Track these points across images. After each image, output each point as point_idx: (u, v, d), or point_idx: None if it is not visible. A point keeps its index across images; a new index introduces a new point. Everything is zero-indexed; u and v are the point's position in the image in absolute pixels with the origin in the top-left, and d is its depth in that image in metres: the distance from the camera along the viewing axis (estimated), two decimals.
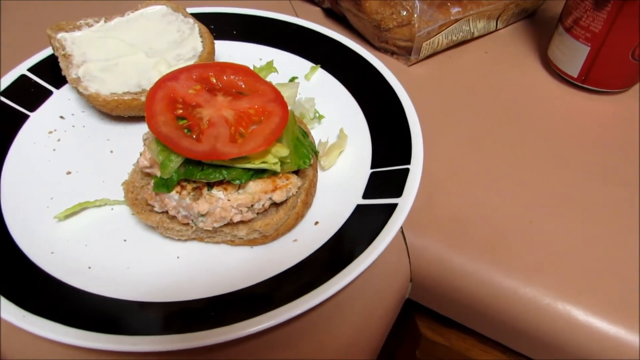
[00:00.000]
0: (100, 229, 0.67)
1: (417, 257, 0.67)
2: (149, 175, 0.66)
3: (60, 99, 0.84)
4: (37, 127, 0.79)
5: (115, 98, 0.75)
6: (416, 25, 0.90)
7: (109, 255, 0.64)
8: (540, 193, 0.73)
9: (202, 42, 0.84)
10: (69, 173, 0.73)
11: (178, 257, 0.64)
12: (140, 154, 0.65)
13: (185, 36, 0.85)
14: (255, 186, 0.61)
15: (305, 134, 0.68)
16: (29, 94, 0.82)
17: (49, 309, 0.56)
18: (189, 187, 0.60)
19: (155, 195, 0.61)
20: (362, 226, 0.63)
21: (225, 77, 0.66)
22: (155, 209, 0.63)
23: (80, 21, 0.86)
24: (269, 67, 0.76)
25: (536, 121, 0.85)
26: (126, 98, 0.75)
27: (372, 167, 0.72)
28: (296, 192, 0.64)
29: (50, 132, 0.79)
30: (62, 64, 0.80)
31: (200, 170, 0.59)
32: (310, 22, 0.95)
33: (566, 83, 0.92)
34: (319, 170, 0.72)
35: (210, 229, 0.61)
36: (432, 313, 0.73)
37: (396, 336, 0.72)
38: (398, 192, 0.65)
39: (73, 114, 0.82)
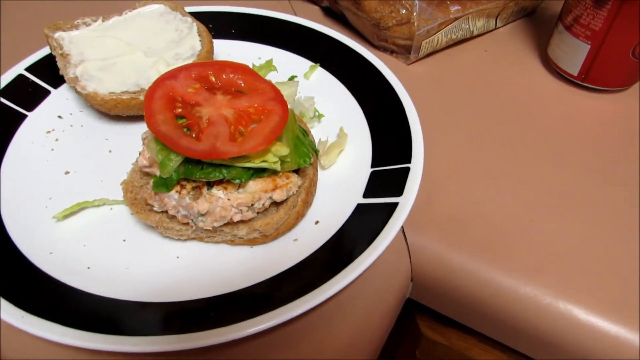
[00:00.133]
0: (99, 229, 0.66)
1: (417, 256, 0.67)
2: (148, 174, 0.65)
3: (58, 99, 0.83)
4: (35, 126, 0.79)
5: (114, 97, 0.74)
6: (415, 24, 0.90)
7: (108, 256, 0.63)
8: (541, 192, 0.73)
9: (200, 41, 0.84)
10: (67, 173, 0.73)
11: (178, 257, 0.63)
12: (139, 154, 0.64)
13: (184, 35, 0.84)
14: (255, 185, 0.60)
15: (305, 133, 0.67)
16: (26, 93, 0.82)
17: (48, 310, 0.56)
18: (189, 186, 0.60)
19: (155, 194, 0.61)
20: (362, 225, 0.63)
21: (224, 76, 0.66)
22: (155, 209, 0.62)
23: (78, 20, 0.86)
24: (269, 65, 0.76)
25: (536, 120, 0.85)
26: (124, 97, 0.74)
27: (372, 166, 0.71)
28: (296, 191, 0.64)
29: (48, 132, 0.78)
30: (59, 64, 0.80)
31: (199, 169, 0.58)
32: (309, 21, 0.94)
33: (566, 81, 0.92)
34: (319, 169, 0.72)
35: (210, 228, 0.61)
36: (432, 312, 0.73)
37: (396, 336, 0.71)
38: (399, 191, 0.65)
39: (71, 114, 0.81)
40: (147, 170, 0.63)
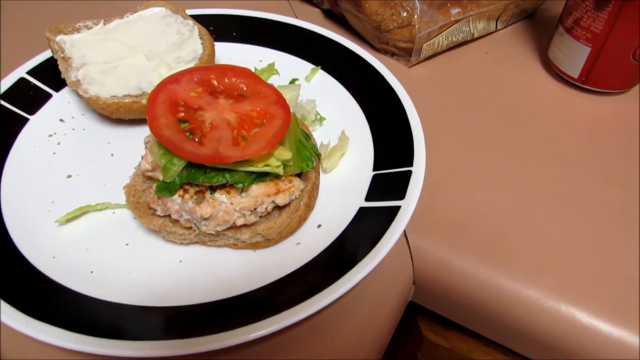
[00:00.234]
0: (102, 233, 0.66)
1: (420, 259, 0.67)
2: (150, 178, 0.65)
3: (60, 102, 0.83)
4: (37, 130, 0.79)
5: (116, 101, 0.74)
6: (416, 27, 0.90)
7: (111, 260, 0.63)
8: (542, 194, 0.73)
9: (202, 44, 0.84)
10: (69, 176, 0.73)
11: (180, 261, 0.63)
12: (142, 158, 0.64)
13: (185, 38, 0.84)
14: (258, 189, 0.60)
15: (308, 137, 0.67)
16: (28, 97, 0.82)
17: (51, 314, 0.56)
18: (192, 190, 0.60)
19: (158, 199, 0.61)
20: (365, 229, 0.63)
21: (226, 80, 0.66)
22: (158, 213, 0.63)
23: (79, 23, 0.86)
24: (271, 69, 0.76)
25: (537, 122, 0.85)
26: (126, 101, 0.75)
27: (374, 169, 0.71)
28: (299, 195, 0.64)
29: (50, 136, 0.78)
30: (61, 67, 0.80)
31: (202, 173, 0.58)
32: (310, 24, 0.94)
33: (566, 84, 0.92)
34: (321, 172, 0.72)
35: (213, 232, 0.61)
36: (434, 315, 0.73)
37: (398, 338, 0.71)
38: (401, 195, 0.65)
39: (73, 117, 0.81)
40: (149, 174, 0.63)
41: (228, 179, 0.58)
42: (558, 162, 0.78)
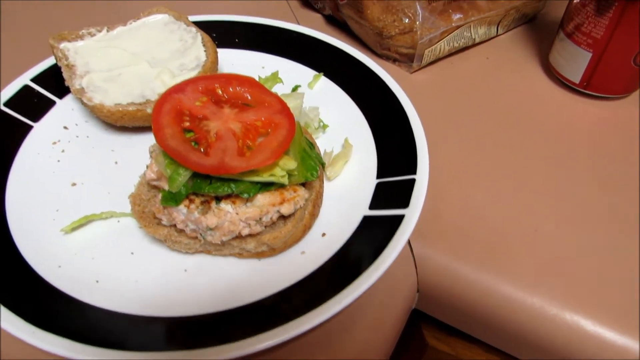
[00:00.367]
0: (107, 241, 0.67)
1: (423, 267, 0.68)
2: (155, 187, 0.65)
3: (64, 109, 0.83)
4: (41, 138, 0.79)
5: (120, 109, 0.75)
6: (418, 33, 0.90)
7: (116, 269, 0.63)
8: (544, 200, 0.74)
9: (205, 51, 0.84)
10: (74, 184, 0.73)
11: (186, 270, 0.63)
12: (147, 167, 0.65)
13: (188, 45, 0.85)
14: (263, 199, 0.60)
15: (312, 145, 0.68)
16: (32, 104, 0.82)
17: (58, 324, 0.56)
18: (197, 200, 0.60)
19: (163, 208, 0.61)
20: (369, 238, 0.63)
21: (231, 89, 0.66)
22: (163, 223, 0.63)
23: (83, 30, 0.86)
24: (274, 78, 0.76)
25: (539, 127, 0.85)
26: (130, 109, 0.75)
27: (377, 177, 0.72)
28: (304, 204, 0.64)
29: (54, 143, 0.78)
30: (65, 74, 0.80)
31: (208, 183, 0.59)
32: (312, 30, 0.94)
33: (568, 89, 0.92)
34: (324, 180, 0.72)
35: (219, 242, 0.61)
36: (437, 322, 0.73)
37: (402, 345, 0.72)
38: (404, 203, 0.65)
39: (77, 124, 0.81)
40: (155, 183, 0.64)
41: (234, 189, 0.58)
42: (560, 167, 0.79)
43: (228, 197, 0.60)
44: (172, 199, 0.59)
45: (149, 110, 0.74)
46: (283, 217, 0.64)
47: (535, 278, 0.65)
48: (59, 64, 0.81)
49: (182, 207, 0.60)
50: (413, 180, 0.68)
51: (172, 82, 0.77)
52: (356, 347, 0.61)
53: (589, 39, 0.84)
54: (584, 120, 0.87)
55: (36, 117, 0.81)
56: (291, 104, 0.68)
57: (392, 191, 0.68)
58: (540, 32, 1.06)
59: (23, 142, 0.78)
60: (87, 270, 0.63)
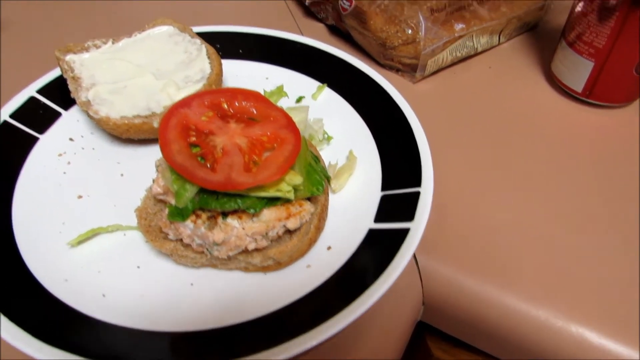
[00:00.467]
0: (113, 255, 0.67)
1: (429, 280, 0.68)
2: (162, 201, 0.66)
3: (69, 121, 0.84)
4: (47, 149, 0.79)
5: (126, 122, 0.75)
6: (421, 44, 0.91)
7: (122, 283, 0.64)
8: (550, 211, 0.74)
9: (209, 63, 0.84)
10: (80, 197, 0.74)
11: (192, 284, 0.64)
12: (153, 181, 0.65)
13: (193, 57, 0.85)
14: (269, 214, 0.61)
15: (317, 159, 0.68)
16: (38, 116, 0.82)
17: (66, 340, 0.56)
18: (204, 215, 0.60)
19: (170, 223, 0.61)
20: (375, 252, 0.64)
21: (237, 103, 0.66)
22: (170, 237, 0.63)
23: (88, 42, 0.86)
24: (280, 91, 0.76)
25: (543, 137, 0.86)
26: (136, 122, 0.75)
27: (382, 190, 0.72)
28: (309, 218, 0.64)
29: (60, 155, 0.79)
30: (71, 87, 0.80)
31: (215, 199, 0.59)
32: (316, 41, 0.95)
33: (570, 97, 0.93)
34: (329, 193, 0.73)
35: (225, 257, 0.61)
36: (442, 333, 0.74)
37: (408, 357, 0.72)
38: (410, 217, 0.65)
39: (82, 136, 0.82)
40: (161, 197, 0.64)
41: (240, 205, 0.59)
42: (564, 177, 0.79)
43: (234, 212, 0.61)
44: (179, 214, 0.59)
45: (155, 125, 0.75)
46: (289, 231, 0.64)
47: (541, 290, 0.65)
48: (65, 76, 0.82)
49: (188, 222, 0.60)
50: (418, 193, 0.68)
51: (177, 94, 0.78)
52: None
53: (590, 48, 0.84)
54: (587, 128, 0.87)
55: (42, 129, 0.81)
56: (296, 117, 0.69)
57: (397, 204, 0.69)
58: (542, 41, 1.06)
59: (29, 154, 0.78)
60: (93, 284, 0.64)
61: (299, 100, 0.87)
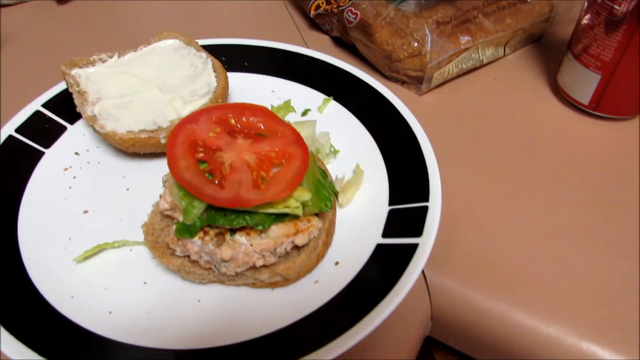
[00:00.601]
0: (119, 271, 0.66)
1: (437, 295, 0.67)
2: (169, 217, 0.65)
3: (75, 135, 0.83)
4: (53, 164, 0.79)
5: (132, 136, 0.75)
6: (427, 56, 0.91)
7: (129, 300, 0.63)
8: (558, 226, 0.73)
9: (216, 77, 0.84)
10: (85, 212, 0.73)
11: (199, 301, 0.63)
12: (160, 196, 0.65)
13: (199, 71, 0.85)
14: (277, 230, 0.60)
15: (325, 175, 0.68)
16: (43, 130, 0.82)
17: (72, 359, 0.56)
18: (212, 232, 0.60)
19: (177, 239, 0.61)
20: (383, 267, 0.63)
21: (244, 119, 0.66)
22: (177, 253, 0.63)
23: (94, 56, 0.86)
24: (287, 106, 0.76)
25: (550, 150, 0.85)
26: (142, 136, 0.75)
27: (389, 204, 0.71)
28: (317, 234, 0.64)
29: (66, 169, 0.79)
30: (76, 101, 0.80)
31: (223, 216, 0.58)
32: (322, 53, 0.95)
33: (577, 110, 0.92)
34: (336, 207, 0.72)
35: (233, 273, 0.61)
36: (450, 348, 0.73)
37: None
38: (418, 232, 0.65)
39: (88, 150, 0.82)
40: (168, 213, 0.64)
41: (248, 222, 0.58)
42: (572, 191, 0.78)
43: (242, 228, 0.60)
44: (187, 230, 0.59)
45: (163, 141, 0.74)
46: (297, 247, 0.63)
47: (551, 306, 0.64)
48: (71, 90, 0.82)
49: (196, 239, 0.59)
50: (426, 208, 0.68)
51: (183, 108, 0.78)
52: None
53: (597, 61, 0.84)
54: (594, 141, 0.87)
55: (47, 143, 0.81)
56: (304, 132, 0.68)
57: (405, 219, 0.68)
58: (547, 52, 1.06)
59: (35, 168, 0.78)
60: (100, 300, 0.63)
61: (304, 113, 0.87)
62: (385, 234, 0.68)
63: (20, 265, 0.66)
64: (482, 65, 1.03)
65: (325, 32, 1.11)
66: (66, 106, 0.84)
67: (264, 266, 0.62)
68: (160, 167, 0.78)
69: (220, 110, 0.66)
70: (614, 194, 0.78)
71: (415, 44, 0.92)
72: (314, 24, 1.13)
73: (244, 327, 0.60)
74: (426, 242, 0.63)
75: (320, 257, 0.66)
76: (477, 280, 0.67)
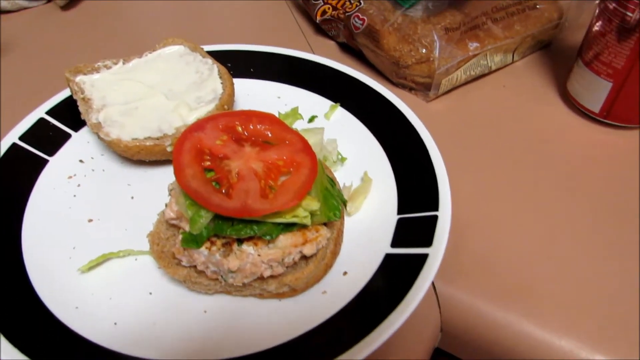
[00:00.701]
0: (125, 281, 0.65)
1: (447, 306, 0.66)
2: (175, 226, 0.64)
3: (79, 142, 0.83)
4: (57, 172, 0.78)
5: (137, 144, 0.74)
6: (436, 63, 0.90)
7: (134, 311, 0.62)
8: (569, 235, 0.72)
9: (221, 83, 0.83)
10: (90, 220, 0.72)
11: (205, 312, 0.62)
12: (166, 205, 0.64)
13: (205, 77, 0.84)
14: (285, 240, 0.59)
15: (333, 183, 0.66)
16: (47, 137, 0.81)
17: None
18: (219, 242, 0.59)
19: (183, 250, 0.60)
20: (392, 278, 0.62)
21: (251, 126, 0.65)
22: (183, 263, 0.62)
23: (99, 63, 0.85)
24: (294, 114, 0.75)
25: (560, 158, 0.84)
26: (148, 144, 0.74)
27: (398, 213, 0.70)
28: (326, 243, 0.63)
29: (70, 177, 0.78)
30: (81, 108, 0.79)
31: (230, 225, 0.57)
32: (328, 59, 0.94)
33: (587, 117, 0.91)
34: (344, 216, 0.71)
35: (240, 284, 0.60)
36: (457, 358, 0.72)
37: None
38: (428, 242, 0.64)
39: (92, 158, 0.81)
40: (174, 222, 0.63)
41: (256, 232, 0.57)
42: (583, 200, 0.77)
43: (250, 238, 0.59)
44: (193, 240, 0.58)
45: (169, 149, 0.73)
46: (305, 257, 0.62)
47: (564, 319, 0.63)
48: (75, 97, 0.81)
49: (203, 249, 0.58)
50: (435, 217, 0.66)
51: (189, 115, 0.77)
52: None
53: (609, 68, 0.83)
54: (605, 150, 0.86)
55: (52, 151, 0.80)
56: (311, 140, 0.67)
57: (414, 228, 0.67)
58: (556, 59, 1.05)
59: (39, 176, 0.77)
60: (105, 311, 0.62)
61: (311, 119, 0.86)
62: (394, 244, 0.67)
63: (24, 275, 0.65)
64: (490, 72, 1.02)
65: (331, 38, 1.10)
66: (70, 113, 0.83)
67: (272, 277, 0.60)
68: (165, 175, 0.77)
69: (227, 118, 0.65)
70: (627, 204, 0.76)
71: (424, 50, 0.91)
72: (320, 29, 1.12)
73: (251, 338, 0.59)
74: (436, 253, 0.62)
75: (328, 267, 0.65)
76: (487, 290, 0.66)
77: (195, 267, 0.61)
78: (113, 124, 0.76)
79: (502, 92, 0.98)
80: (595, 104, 0.88)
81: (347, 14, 1.01)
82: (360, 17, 0.97)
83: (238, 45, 0.98)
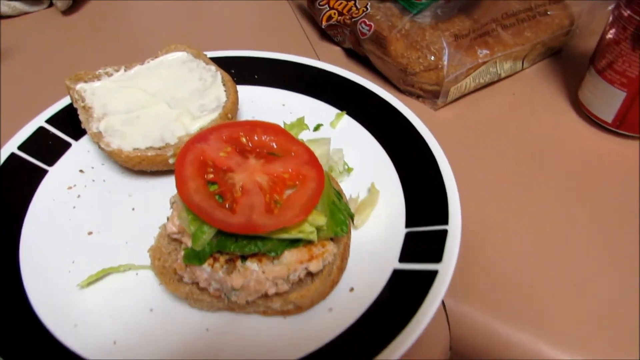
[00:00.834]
0: (125, 297, 0.63)
1: (456, 323, 0.64)
2: (176, 240, 0.62)
3: (80, 152, 0.81)
4: (56, 182, 0.76)
5: (138, 154, 0.72)
6: (444, 70, 0.87)
7: (135, 329, 0.60)
8: (585, 251, 0.70)
9: (225, 91, 0.81)
10: (90, 233, 0.70)
11: (207, 330, 0.60)
12: (168, 219, 0.62)
13: (208, 85, 0.82)
14: (290, 256, 0.57)
15: (340, 196, 0.64)
16: (47, 147, 0.80)
17: None
18: (222, 259, 0.57)
19: (185, 266, 0.58)
20: (400, 296, 0.60)
21: (256, 137, 0.63)
22: (185, 280, 0.60)
23: (100, 70, 0.84)
24: (300, 124, 0.73)
25: (571, 169, 0.82)
26: (149, 154, 0.72)
27: (406, 226, 0.68)
28: (332, 259, 0.61)
29: (70, 188, 0.76)
30: (82, 117, 0.77)
31: (234, 241, 0.56)
32: (334, 66, 0.92)
33: (599, 127, 0.89)
34: (351, 229, 0.69)
35: (244, 302, 0.58)
36: None
37: None
38: (437, 257, 0.61)
39: (93, 167, 0.79)
40: (176, 237, 0.61)
41: (261, 248, 0.55)
42: (598, 213, 0.75)
43: (254, 255, 0.57)
44: (196, 257, 0.56)
45: (171, 161, 0.71)
46: (310, 274, 0.60)
47: (578, 338, 0.61)
48: (75, 105, 0.79)
49: (205, 266, 0.56)
50: (445, 232, 0.64)
51: (192, 124, 0.75)
52: None
53: (623, 77, 0.80)
54: (619, 160, 0.83)
55: (51, 161, 0.79)
56: (318, 151, 0.66)
57: (423, 243, 0.65)
58: (567, 66, 1.03)
59: (38, 187, 0.75)
60: (104, 329, 0.60)
61: (317, 128, 0.84)
62: (402, 259, 0.64)
63: (22, 292, 0.63)
64: (500, 79, 0.99)
65: (337, 44, 1.08)
66: (71, 121, 0.81)
67: (277, 294, 0.58)
68: (167, 186, 0.75)
69: (231, 129, 0.64)
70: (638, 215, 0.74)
71: (432, 58, 0.89)
72: (326, 35, 1.10)
73: (255, 358, 0.57)
74: (446, 269, 0.60)
75: (334, 283, 0.63)
76: (498, 308, 0.64)
77: (197, 284, 0.59)
78: (114, 133, 0.74)
79: (511, 100, 0.96)
80: (608, 114, 0.86)
81: (353, 19, 0.99)
82: (367, 22, 0.95)
83: (242, 51, 0.96)
